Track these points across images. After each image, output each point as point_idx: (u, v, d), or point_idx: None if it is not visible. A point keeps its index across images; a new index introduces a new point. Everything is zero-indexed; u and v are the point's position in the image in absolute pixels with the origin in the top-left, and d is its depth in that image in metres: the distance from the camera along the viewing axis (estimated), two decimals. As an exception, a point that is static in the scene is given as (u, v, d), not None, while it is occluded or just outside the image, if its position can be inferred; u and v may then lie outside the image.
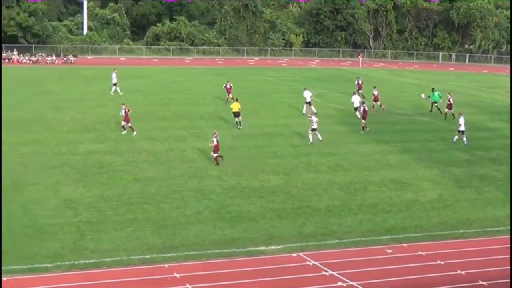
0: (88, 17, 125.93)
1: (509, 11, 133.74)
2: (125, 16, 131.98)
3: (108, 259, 25.63)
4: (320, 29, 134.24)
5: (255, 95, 70.90)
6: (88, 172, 37.81)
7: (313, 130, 47.04)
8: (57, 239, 27.54)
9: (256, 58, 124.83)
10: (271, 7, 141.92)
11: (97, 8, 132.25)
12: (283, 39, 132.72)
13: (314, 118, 47.33)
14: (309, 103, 58.96)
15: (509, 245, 28.09)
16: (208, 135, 48.27)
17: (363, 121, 51.79)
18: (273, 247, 27.50)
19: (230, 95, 63.19)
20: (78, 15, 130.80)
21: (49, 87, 73.84)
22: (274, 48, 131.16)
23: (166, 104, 63.12)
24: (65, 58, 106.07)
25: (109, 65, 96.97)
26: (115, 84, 69.13)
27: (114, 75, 69.51)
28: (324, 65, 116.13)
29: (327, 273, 25.03)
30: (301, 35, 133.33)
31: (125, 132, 48.23)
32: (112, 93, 68.35)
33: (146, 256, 26.05)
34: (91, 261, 25.44)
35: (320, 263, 25.85)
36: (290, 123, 54.44)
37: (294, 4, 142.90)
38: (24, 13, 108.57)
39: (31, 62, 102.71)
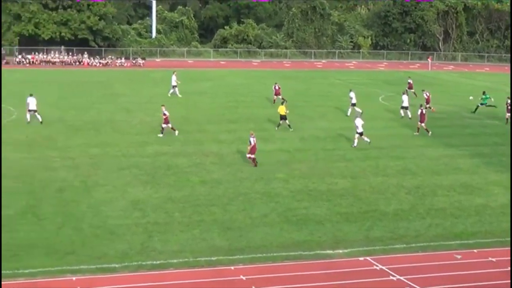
0: (156, 20, 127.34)
1: None
2: (193, 19, 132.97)
3: (175, 260, 25.75)
4: (389, 31, 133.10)
5: (323, 98, 70.64)
6: (156, 174, 38.14)
7: (359, 134, 46.45)
8: (125, 239, 27.82)
9: (323, 61, 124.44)
10: (339, 9, 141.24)
11: (166, 11, 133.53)
12: (351, 41, 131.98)
13: (359, 122, 46.59)
14: (354, 105, 58.68)
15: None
16: (275, 138, 48.43)
17: (422, 124, 50.91)
18: (340, 251, 27.26)
19: (280, 96, 63.23)
20: (147, 18, 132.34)
21: (118, 89, 74.88)
22: (342, 50, 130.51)
23: (233, 107, 63.33)
24: (134, 61, 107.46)
25: (177, 68, 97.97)
26: (174, 86, 70.01)
27: (174, 77, 70.43)
28: (392, 67, 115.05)
29: (394, 278, 24.68)
30: (369, 37, 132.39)
31: (161, 135, 48.44)
32: (170, 95, 69.18)
33: (213, 258, 26.08)
34: (158, 262, 25.60)
35: (387, 268, 25.51)
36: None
37: (362, 6, 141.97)
38: (94, 16, 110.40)
39: (101, 65, 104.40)
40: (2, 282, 23.23)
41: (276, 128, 51.82)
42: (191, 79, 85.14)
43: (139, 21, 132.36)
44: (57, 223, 29.49)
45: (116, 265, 25.15)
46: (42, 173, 37.54)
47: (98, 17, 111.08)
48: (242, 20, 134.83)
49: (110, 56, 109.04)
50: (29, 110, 52.46)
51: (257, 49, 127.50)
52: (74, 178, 36.84)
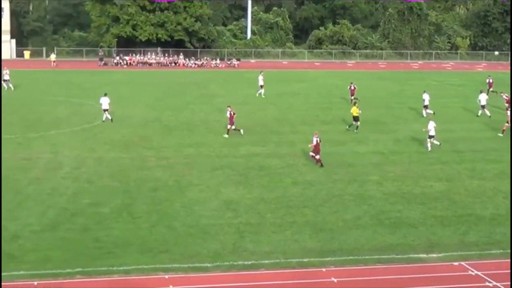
0: (252, 21, 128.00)
1: None
2: (288, 20, 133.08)
3: (266, 261, 25.77)
4: (488, 32, 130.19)
5: (418, 99, 69.41)
6: (248, 174, 38.29)
7: (430, 137, 45.38)
8: (218, 239, 28.01)
9: (420, 62, 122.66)
10: (437, 10, 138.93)
11: (261, 13, 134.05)
12: (449, 42, 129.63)
13: (432, 124, 45.47)
14: (426, 107, 57.66)
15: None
16: (368, 140, 47.98)
17: (507, 124, 49.57)
18: (434, 255, 26.73)
19: (353, 97, 62.71)
20: (242, 19, 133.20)
21: (213, 90, 75.60)
22: (439, 51, 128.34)
23: (327, 108, 63.05)
24: (228, 62, 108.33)
25: (272, 69, 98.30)
26: (261, 87, 70.24)
27: (260, 77, 70.76)
28: (491, 68, 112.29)
29: (490, 284, 24.04)
30: (468, 38, 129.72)
31: (226, 136, 48.53)
32: (257, 95, 69.63)
33: (304, 260, 25.99)
34: (250, 262, 25.66)
35: (483, 273, 24.87)
36: (454, 129, 53.01)
37: (461, 6, 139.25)
38: (190, 18, 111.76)
39: (196, 66, 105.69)
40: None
41: (347, 128, 51.68)
42: (285, 80, 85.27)
43: (235, 23, 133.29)
44: (151, 222, 29.96)
45: (208, 265, 25.35)
46: (137, 173, 38.22)
47: (194, 19, 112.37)
48: (337, 20, 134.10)
49: (205, 57, 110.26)
50: (104, 110, 53.73)
51: (352, 50, 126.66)
52: (168, 177, 37.36)
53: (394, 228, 29.81)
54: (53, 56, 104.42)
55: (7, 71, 72.08)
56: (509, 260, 26.04)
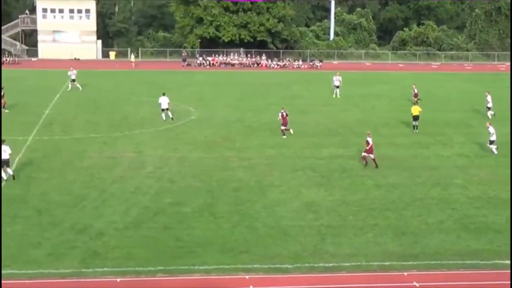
0: (335, 22, 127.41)
1: None
2: (372, 21, 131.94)
3: (347, 264, 25.56)
4: None
5: (506, 102, 67.87)
6: (330, 176, 38.05)
7: (491, 142, 44.08)
8: (298, 241, 27.92)
9: (507, 64, 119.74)
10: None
11: (344, 14, 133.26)
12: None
13: (492, 129, 44.11)
14: (489, 108, 56.31)
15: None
16: (453, 143, 47.19)
17: None
18: (521, 262, 26.05)
19: (416, 98, 62.25)
20: (325, 20, 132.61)
21: (295, 91, 75.50)
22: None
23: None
24: (311, 63, 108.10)
25: (354, 70, 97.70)
26: (337, 87, 70.26)
27: (336, 78, 70.87)
28: None
29: None
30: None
31: (285, 137, 48.24)
32: (334, 96, 69.57)
33: (386, 263, 25.67)
34: (331, 264, 25.50)
35: None
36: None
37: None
38: (273, 19, 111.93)
39: (278, 67, 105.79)
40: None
41: (415, 131, 50.76)
42: (368, 82, 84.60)
43: (317, 23, 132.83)
44: (232, 222, 30.08)
45: (289, 266, 25.29)
46: (219, 173, 38.44)
47: (277, 20, 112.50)
48: (422, 21, 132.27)
49: (287, 58, 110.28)
50: (162, 109, 54.18)
51: (437, 52, 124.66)
52: (250, 178, 37.46)
53: (479, 233, 29.16)
54: (132, 57, 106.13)
55: (74, 72, 73.12)
56: None
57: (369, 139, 40.17)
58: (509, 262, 25.89)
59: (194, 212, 31.40)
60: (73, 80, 72.17)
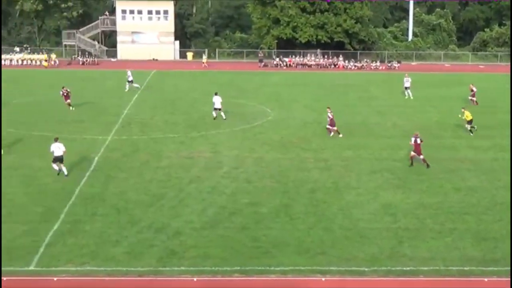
0: (413, 23, 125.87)
1: None
2: (452, 22, 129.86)
3: (425, 268, 25.22)
4: None
5: None
6: (408, 179, 37.59)
7: None
8: (375, 243, 27.67)
9: None
10: None
11: (423, 14, 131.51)
12: None
13: None
14: None
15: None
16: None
17: None
18: None
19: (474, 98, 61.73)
20: (404, 21, 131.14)
21: (373, 92, 74.89)
22: None
23: (491, 112, 60.82)
24: (389, 64, 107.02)
25: (433, 72, 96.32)
26: (406, 88, 69.82)
27: (405, 79, 70.52)
28: None
29: None
30: None
31: (332, 134, 48.34)
32: (406, 97, 69.03)
33: (465, 268, 25.22)
34: (408, 268, 25.21)
35: None
36: None
37: None
38: (350, 19, 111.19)
39: (356, 68, 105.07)
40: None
41: (471, 134, 49.78)
42: (448, 83, 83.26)
43: (396, 24, 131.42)
44: (308, 223, 30.01)
45: (365, 269, 25.09)
46: (296, 173, 38.39)
47: (355, 20, 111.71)
48: (503, 22, 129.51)
49: (365, 59, 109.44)
50: (215, 109, 54.44)
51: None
52: (326, 179, 37.30)
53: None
54: (204, 58, 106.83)
55: (129, 73, 73.58)
56: None
57: (413, 139, 40.20)
58: None
59: (270, 212, 31.43)
60: (131, 81, 72.79)
